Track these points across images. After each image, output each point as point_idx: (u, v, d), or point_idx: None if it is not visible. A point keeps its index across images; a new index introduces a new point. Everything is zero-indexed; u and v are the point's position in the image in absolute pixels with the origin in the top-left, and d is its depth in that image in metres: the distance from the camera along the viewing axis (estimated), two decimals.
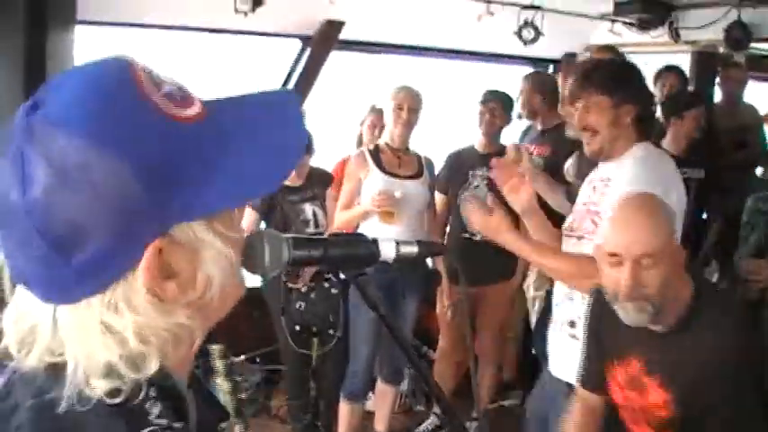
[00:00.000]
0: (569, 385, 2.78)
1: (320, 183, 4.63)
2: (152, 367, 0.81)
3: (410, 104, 4.27)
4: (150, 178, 0.78)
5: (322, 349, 4.60)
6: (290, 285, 4.52)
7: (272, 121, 0.90)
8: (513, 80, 5.37)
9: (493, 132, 4.72)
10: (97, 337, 0.80)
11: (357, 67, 6.51)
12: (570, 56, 6.56)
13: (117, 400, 0.79)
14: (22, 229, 0.77)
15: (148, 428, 0.79)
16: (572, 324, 2.85)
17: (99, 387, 0.80)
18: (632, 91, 2.85)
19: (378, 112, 5.11)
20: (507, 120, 4.83)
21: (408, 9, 5.56)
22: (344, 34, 5.77)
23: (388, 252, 1.15)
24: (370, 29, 5.90)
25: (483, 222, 2.71)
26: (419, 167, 4.41)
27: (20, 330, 0.85)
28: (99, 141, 0.76)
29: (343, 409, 4.61)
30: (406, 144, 4.38)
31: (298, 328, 4.56)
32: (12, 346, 0.85)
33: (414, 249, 1.18)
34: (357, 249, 1.13)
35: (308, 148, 4.57)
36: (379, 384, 4.84)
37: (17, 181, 0.76)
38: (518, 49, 5.94)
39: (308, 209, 4.55)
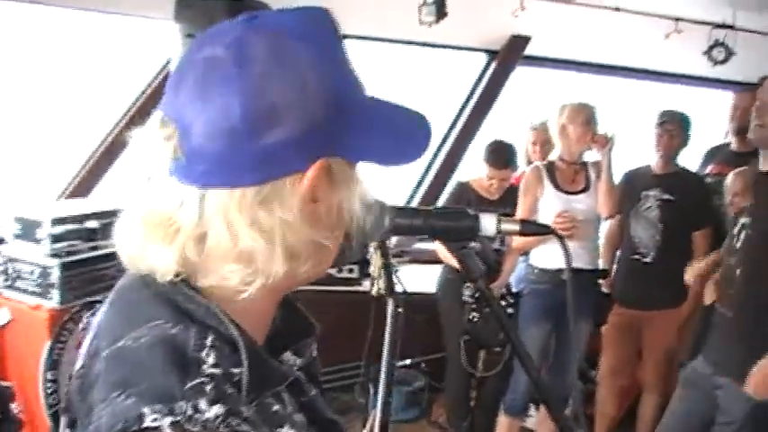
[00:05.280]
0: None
1: (516, 200, 4.65)
2: (279, 272, 0.91)
3: (596, 120, 4.28)
4: (337, 104, 0.91)
5: (487, 363, 4.66)
6: (465, 298, 4.60)
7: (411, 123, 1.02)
8: (695, 102, 5.21)
9: (670, 154, 4.58)
10: (243, 228, 0.89)
11: (539, 82, 6.50)
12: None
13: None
14: (224, 101, 0.87)
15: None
16: None
17: (235, 275, 0.91)
18: None
19: (539, 129, 5.10)
20: (685, 141, 4.68)
21: (594, 26, 5.51)
22: (529, 50, 5.81)
23: (488, 226, 1.19)
24: (556, 45, 5.89)
25: None
26: (588, 180, 4.38)
27: (151, 224, 0.93)
28: (318, 57, 0.91)
29: (502, 423, 4.61)
30: (582, 158, 4.38)
31: (467, 338, 4.63)
32: (132, 248, 0.94)
33: (515, 227, 1.22)
34: (458, 222, 1.18)
35: (510, 162, 4.64)
36: (543, 409, 4.80)
37: (234, 58, 0.88)
38: (706, 70, 5.72)
39: None
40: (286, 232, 0.90)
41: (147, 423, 0.80)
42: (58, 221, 3.89)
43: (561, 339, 4.39)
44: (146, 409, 0.80)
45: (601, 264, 4.65)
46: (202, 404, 0.82)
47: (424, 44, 5.77)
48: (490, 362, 4.69)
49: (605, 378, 4.91)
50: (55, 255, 3.85)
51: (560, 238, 1.28)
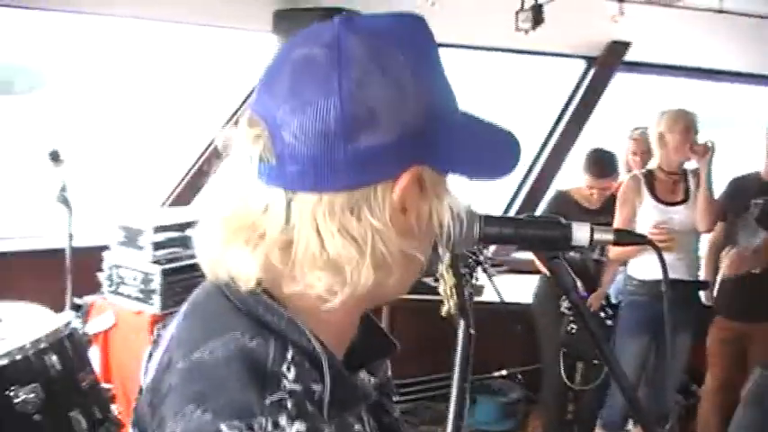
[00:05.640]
0: None
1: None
2: (367, 282, 0.86)
3: (696, 128, 4.14)
4: (432, 112, 0.88)
5: (585, 375, 4.57)
6: (563, 309, 4.53)
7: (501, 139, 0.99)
8: None
9: None
10: (332, 235, 0.85)
11: (640, 88, 6.36)
12: None
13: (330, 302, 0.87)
14: (320, 102, 0.84)
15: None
16: None
17: (321, 283, 0.87)
18: None
19: (638, 136, 4.97)
20: None
21: (697, 29, 5.35)
22: (629, 55, 5.70)
23: (581, 236, 1.16)
24: (656, 50, 5.75)
25: None
26: (687, 190, 4.26)
27: (234, 229, 0.90)
28: (415, 62, 0.88)
29: None
30: (682, 167, 4.25)
31: (564, 350, 4.56)
32: (213, 252, 0.92)
33: (610, 237, 1.18)
34: (549, 231, 1.15)
35: (611, 171, 4.56)
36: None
37: (332, 58, 0.85)
38: None
39: None
40: (376, 240, 0.86)
41: None
42: (159, 229, 4.00)
43: (660, 353, 4.27)
44: (223, 425, 0.77)
45: (702, 275, 4.49)
46: (283, 420, 0.79)
47: (522, 51, 5.74)
48: (588, 375, 4.59)
49: (709, 393, 4.74)
50: (157, 262, 3.96)
51: (657, 248, 1.23)
